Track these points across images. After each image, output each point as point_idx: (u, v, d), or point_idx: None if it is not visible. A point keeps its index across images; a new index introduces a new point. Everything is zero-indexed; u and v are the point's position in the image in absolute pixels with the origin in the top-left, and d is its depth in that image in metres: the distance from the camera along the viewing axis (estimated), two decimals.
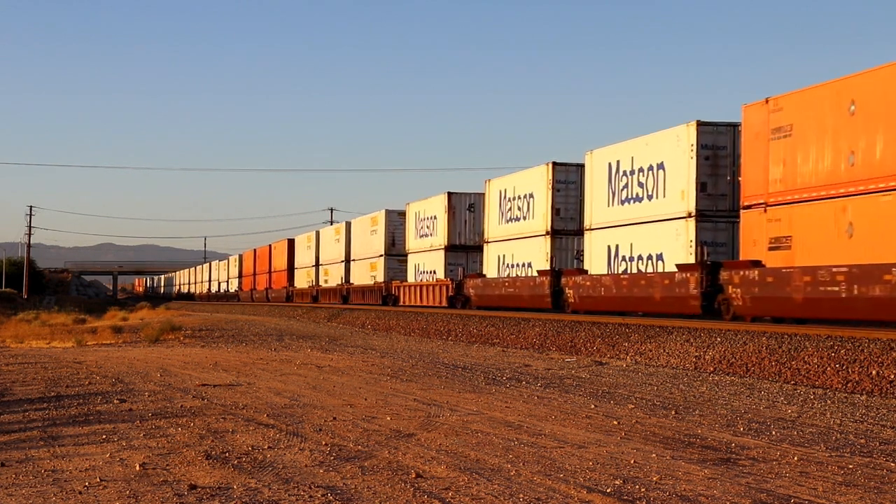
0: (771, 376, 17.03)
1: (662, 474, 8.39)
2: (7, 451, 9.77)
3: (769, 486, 7.92)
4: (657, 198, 27.47)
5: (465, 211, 44.08)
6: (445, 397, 14.20)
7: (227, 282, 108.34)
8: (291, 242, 77.19)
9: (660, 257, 27.33)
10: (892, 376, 14.98)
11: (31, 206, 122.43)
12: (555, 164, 33.78)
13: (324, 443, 10.04)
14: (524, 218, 35.77)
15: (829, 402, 13.76)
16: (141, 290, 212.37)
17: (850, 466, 8.81)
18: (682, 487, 7.89)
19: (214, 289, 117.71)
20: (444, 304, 41.85)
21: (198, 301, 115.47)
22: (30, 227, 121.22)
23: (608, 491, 7.75)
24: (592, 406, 13.23)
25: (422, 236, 47.21)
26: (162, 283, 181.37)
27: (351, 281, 58.83)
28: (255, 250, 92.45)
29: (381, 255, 52.86)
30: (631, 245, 28.83)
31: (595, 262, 30.68)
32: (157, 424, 11.45)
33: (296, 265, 74.76)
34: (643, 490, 7.78)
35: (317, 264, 67.91)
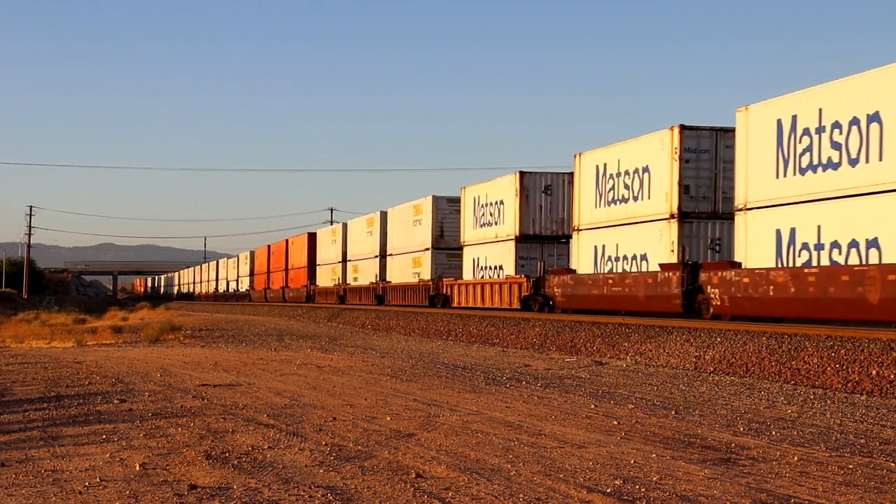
0: (771, 376, 17.03)
1: (662, 474, 8.39)
2: (7, 451, 9.77)
3: (769, 486, 7.92)
4: (867, 162, 19.86)
5: (541, 194, 36.55)
6: (445, 397, 14.20)
7: (237, 280, 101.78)
8: (313, 237, 70.20)
9: (872, 244, 19.77)
10: (892, 376, 14.98)
11: (31, 206, 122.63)
12: (683, 127, 26.64)
13: (324, 443, 10.04)
14: (635, 198, 28.47)
15: (829, 402, 13.76)
16: (141, 290, 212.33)
17: (850, 466, 8.81)
18: (682, 487, 7.89)
19: (222, 288, 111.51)
20: (516, 305, 34.79)
21: (204, 301, 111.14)
22: (30, 227, 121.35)
23: (608, 491, 7.75)
24: (592, 406, 13.23)
25: (483, 225, 39.82)
26: (162, 283, 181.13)
27: (388, 279, 51.62)
28: (269, 246, 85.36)
29: (428, 249, 45.47)
30: (818, 229, 21.22)
31: (754, 251, 23.12)
32: (157, 424, 11.45)
33: (318, 262, 67.65)
34: (643, 490, 7.78)
35: (344, 260, 60.93)
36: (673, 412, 12.60)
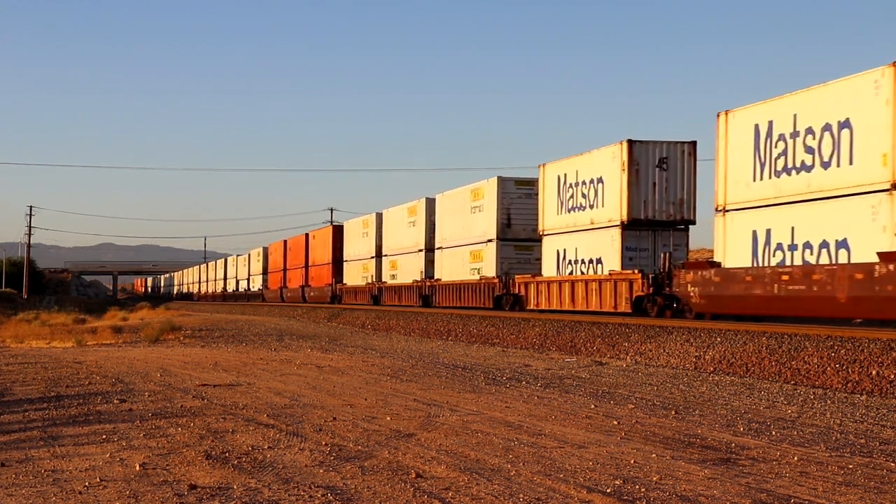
0: (771, 376, 17.03)
1: (662, 474, 8.39)
2: (7, 451, 9.77)
3: (769, 486, 7.92)
4: None
5: (654, 169, 29.39)
6: (445, 397, 14.20)
7: (249, 279, 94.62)
8: (339, 230, 62.87)
9: None
10: (892, 376, 14.99)
11: (31, 206, 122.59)
12: None
13: (324, 443, 10.04)
14: (825, 164, 20.92)
15: (829, 402, 13.76)
16: (141, 290, 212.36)
17: (850, 466, 8.81)
18: (682, 487, 7.89)
19: (231, 287, 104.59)
20: (625, 308, 28.08)
21: (211, 302, 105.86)
22: (30, 227, 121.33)
23: (608, 491, 7.75)
24: (592, 406, 13.23)
25: (572, 210, 32.30)
26: (162, 283, 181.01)
27: (437, 276, 44.39)
28: (285, 241, 78.34)
29: (491, 241, 38.09)
30: None
31: None
32: (157, 424, 11.45)
33: (345, 257, 60.48)
34: (643, 490, 7.78)
35: (378, 255, 53.78)
36: (673, 412, 12.60)
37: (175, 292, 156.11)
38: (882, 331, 18.08)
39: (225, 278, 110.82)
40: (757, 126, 23.14)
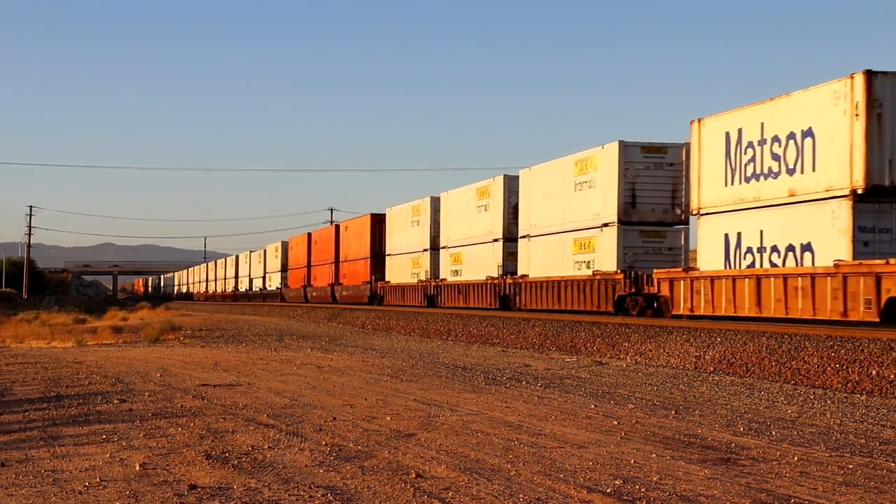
0: (771, 376, 17.03)
1: (662, 474, 8.39)
2: (7, 451, 9.77)
3: (769, 486, 7.92)
4: None
5: None
6: (445, 397, 14.20)
7: (264, 278, 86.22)
8: (379, 218, 53.60)
9: None
10: (892, 376, 14.99)
11: (31, 206, 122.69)
12: None
13: (324, 443, 10.04)
14: None
15: (829, 402, 13.76)
16: (141, 290, 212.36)
17: (850, 466, 8.81)
18: (682, 487, 7.88)
19: (244, 287, 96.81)
20: (867, 315, 19.01)
21: (218, 303, 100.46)
22: (30, 227, 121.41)
23: (608, 491, 7.75)
24: (592, 406, 13.23)
25: (753, 178, 23.50)
26: (162, 283, 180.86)
27: (521, 272, 35.55)
28: (309, 234, 70.22)
29: (608, 225, 29.46)
30: None
31: None
32: (157, 424, 11.45)
33: (388, 251, 51.63)
34: (643, 490, 7.77)
35: (434, 248, 45.16)
36: (673, 412, 12.60)
37: (175, 292, 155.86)
38: (882, 331, 18.08)
39: (236, 277, 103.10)
40: None
